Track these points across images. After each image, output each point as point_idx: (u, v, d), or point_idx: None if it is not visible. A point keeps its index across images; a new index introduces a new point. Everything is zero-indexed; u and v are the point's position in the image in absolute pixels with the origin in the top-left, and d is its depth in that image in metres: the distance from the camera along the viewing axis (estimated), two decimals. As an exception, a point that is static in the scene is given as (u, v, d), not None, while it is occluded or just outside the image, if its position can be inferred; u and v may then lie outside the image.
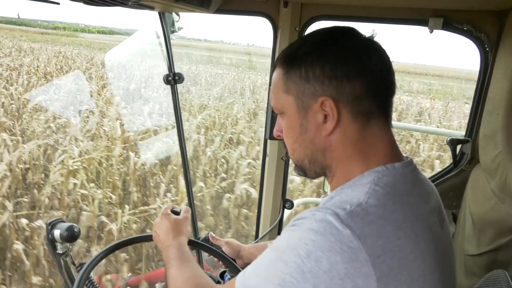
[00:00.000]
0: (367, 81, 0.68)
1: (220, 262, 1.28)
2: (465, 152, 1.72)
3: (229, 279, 1.22)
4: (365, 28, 0.73)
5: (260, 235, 1.89)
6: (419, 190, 0.72)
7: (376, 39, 0.72)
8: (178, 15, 1.72)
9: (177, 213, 1.13)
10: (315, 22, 1.61)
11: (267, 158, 1.79)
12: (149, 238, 1.19)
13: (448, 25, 1.51)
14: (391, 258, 0.60)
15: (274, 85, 0.75)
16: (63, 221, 1.23)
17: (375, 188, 0.65)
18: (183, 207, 1.18)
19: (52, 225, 1.21)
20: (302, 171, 0.78)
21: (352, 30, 0.72)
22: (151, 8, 1.42)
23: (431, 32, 1.51)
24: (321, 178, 0.86)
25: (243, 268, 1.20)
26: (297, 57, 0.71)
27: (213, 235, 1.32)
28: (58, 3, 1.08)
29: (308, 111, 0.70)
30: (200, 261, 1.86)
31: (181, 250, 1.00)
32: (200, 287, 0.88)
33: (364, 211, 0.62)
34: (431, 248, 0.67)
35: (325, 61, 0.68)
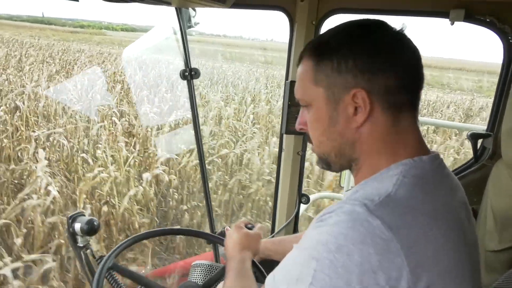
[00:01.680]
0: (400, 74, 0.67)
1: None
2: (486, 147, 1.68)
3: None
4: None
5: (276, 230, 1.89)
6: (447, 184, 0.71)
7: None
8: (194, 10, 1.72)
9: (250, 229, 1.16)
10: (332, 15, 1.58)
11: (283, 153, 1.79)
12: (219, 241, 1.30)
13: (470, 17, 1.47)
14: (424, 248, 0.59)
15: (302, 76, 0.74)
16: (83, 215, 1.26)
17: (403, 179, 0.64)
18: (258, 224, 1.20)
19: (72, 219, 1.23)
20: (326, 164, 0.77)
21: (383, 23, 0.71)
22: (168, 3, 1.43)
23: (452, 24, 1.48)
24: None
25: (259, 262, 1.22)
26: (328, 49, 0.70)
27: (229, 229, 1.33)
28: (77, 0, 1.09)
29: (338, 103, 0.69)
30: (217, 256, 1.88)
31: (242, 264, 1.01)
32: None
33: (394, 201, 0.61)
34: (462, 241, 0.66)
35: (358, 53, 0.67)
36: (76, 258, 1.31)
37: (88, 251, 1.27)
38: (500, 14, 1.48)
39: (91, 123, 5.88)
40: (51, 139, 5.03)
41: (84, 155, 4.57)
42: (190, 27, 1.76)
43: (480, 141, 1.69)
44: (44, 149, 4.50)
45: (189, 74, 1.75)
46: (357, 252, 0.57)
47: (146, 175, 3.99)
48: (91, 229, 1.21)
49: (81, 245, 1.25)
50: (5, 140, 4.94)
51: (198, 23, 1.77)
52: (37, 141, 4.87)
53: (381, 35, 0.69)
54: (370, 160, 0.70)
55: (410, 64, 0.69)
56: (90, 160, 4.45)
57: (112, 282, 1.14)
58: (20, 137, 5.21)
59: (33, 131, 5.23)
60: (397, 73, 0.67)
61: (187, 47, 1.75)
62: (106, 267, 1.07)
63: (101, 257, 1.23)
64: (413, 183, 0.64)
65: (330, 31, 0.74)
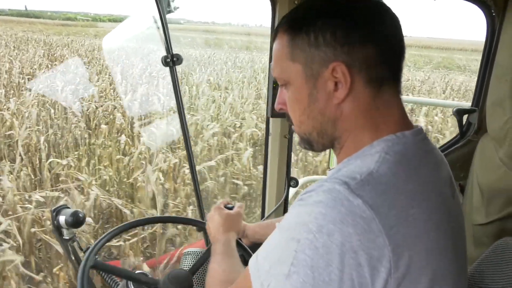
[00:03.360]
0: (380, 46, 0.65)
1: None
2: (472, 122, 1.69)
3: None
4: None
5: (266, 214, 1.88)
6: (431, 160, 0.69)
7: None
8: (173, -6, 1.68)
9: (230, 209, 1.14)
10: (314, -6, 1.55)
11: (270, 137, 1.77)
12: (200, 224, 1.29)
13: (452, -9, 1.46)
14: (405, 228, 0.58)
15: (278, 54, 0.71)
16: (68, 207, 1.23)
17: (385, 156, 0.62)
18: (237, 203, 1.18)
19: (56, 212, 1.21)
20: (308, 144, 0.74)
21: None
22: (145, -14, 1.38)
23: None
24: (327, 155, 0.83)
25: (248, 247, 1.21)
26: (304, 22, 0.67)
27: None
28: None
29: (317, 79, 0.66)
30: (207, 242, 1.87)
31: (227, 246, 1.00)
32: (233, 280, 0.87)
33: (376, 180, 0.59)
34: (445, 218, 0.65)
35: (336, 25, 0.64)
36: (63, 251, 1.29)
37: (75, 243, 1.25)
38: (483, -13, 1.46)
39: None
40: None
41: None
42: (169, 11, 1.71)
43: (465, 117, 1.69)
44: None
45: (171, 60, 1.71)
46: (338, 232, 0.55)
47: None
48: (76, 221, 1.19)
49: (67, 237, 1.23)
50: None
51: (177, 8, 1.72)
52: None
53: (359, 5, 0.67)
54: (353, 137, 0.68)
55: (390, 34, 0.66)
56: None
57: (103, 274, 1.12)
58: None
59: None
60: (377, 44, 0.64)
61: (167, 33, 1.71)
62: (88, 266, 1.05)
63: (88, 249, 1.21)
64: (395, 160, 0.63)
65: (305, 3, 0.71)
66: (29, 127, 5.34)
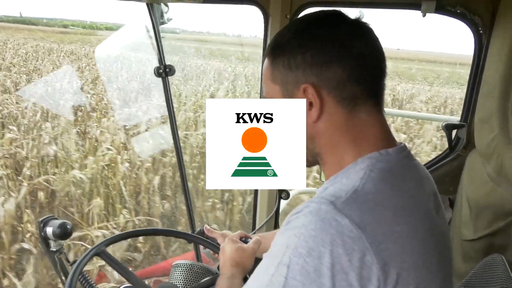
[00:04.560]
0: (350, 66, 0.66)
1: (216, 255, 1.27)
2: (460, 137, 1.71)
3: None
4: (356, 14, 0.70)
5: (257, 226, 1.88)
6: (414, 176, 0.70)
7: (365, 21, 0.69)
8: (167, 5, 1.68)
9: (245, 242, 1.09)
10: (306, 8, 1.57)
11: (261, 149, 1.77)
12: (198, 240, 1.30)
13: (441, 8, 1.49)
14: (393, 244, 0.59)
15: (264, 74, 0.74)
16: (56, 218, 1.22)
17: (370, 174, 0.63)
18: (255, 238, 1.11)
19: (44, 223, 1.19)
20: None
21: (338, 14, 0.70)
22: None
23: (424, 15, 1.49)
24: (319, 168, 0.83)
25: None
26: (280, 46, 0.70)
27: (208, 227, 1.31)
28: None
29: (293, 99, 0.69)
30: (197, 255, 1.86)
31: (230, 282, 0.95)
32: None
33: (361, 197, 0.60)
34: (429, 234, 0.66)
35: (306, 48, 0.67)
36: (50, 263, 1.27)
37: (62, 255, 1.23)
38: (471, 5, 1.50)
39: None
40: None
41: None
42: (163, 23, 1.72)
43: (454, 131, 1.72)
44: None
45: (164, 71, 1.72)
46: (328, 254, 0.55)
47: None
48: (63, 233, 1.17)
49: (54, 249, 1.21)
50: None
51: (171, 19, 1.73)
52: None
53: (332, 26, 0.68)
54: (332, 154, 0.69)
55: (363, 54, 0.67)
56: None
57: (85, 284, 1.11)
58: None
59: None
60: (346, 64, 0.65)
61: (160, 44, 1.72)
62: (75, 278, 1.03)
63: (75, 261, 1.19)
64: (380, 177, 0.63)
65: (286, 27, 0.73)
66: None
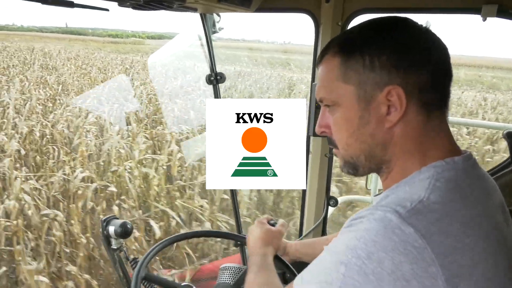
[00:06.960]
0: (431, 71, 0.66)
1: None
2: (523, 146, 1.61)
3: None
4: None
5: (304, 233, 1.88)
6: (482, 186, 0.69)
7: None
8: (219, 15, 1.74)
9: (272, 225, 1.17)
10: (358, 15, 1.56)
11: (310, 155, 1.77)
12: (240, 239, 1.33)
13: (503, 12, 1.42)
14: (461, 257, 0.58)
15: (328, 75, 0.71)
16: (117, 218, 1.29)
17: (435, 183, 0.62)
18: (281, 221, 1.20)
19: (106, 222, 1.27)
20: (353, 168, 0.73)
21: (408, 20, 0.69)
22: (194, 10, 1.45)
23: (484, 20, 1.43)
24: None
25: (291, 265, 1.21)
26: (357, 45, 0.68)
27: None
28: (107, 10, 1.13)
29: (370, 101, 0.67)
30: (244, 259, 1.88)
31: (264, 259, 1.02)
32: None
33: (427, 208, 0.59)
34: (501, 246, 0.64)
35: (390, 48, 0.66)
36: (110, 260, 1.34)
37: (122, 253, 1.30)
38: (536, 7, 1.41)
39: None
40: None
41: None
42: (214, 32, 1.78)
43: (516, 140, 1.62)
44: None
45: (215, 78, 1.77)
46: (389, 260, 0.56)
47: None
48: (124, 232, 1.24)
49: (115, 247, 1.28)
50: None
51: (222, 28, 1.79)
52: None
53: (410, 31, 0.68)
54: (401, 162, 0.68)
55: (440, 60, 0.67)
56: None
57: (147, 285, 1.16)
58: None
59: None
60: (428, 69, 0.65)
61: (212, 52, 1.78)
62: (140, 277, 1.09)
63: (134, 259, 1.26)
64: (446, 187, 0.62)
65: (355, 28, 0.72)
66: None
